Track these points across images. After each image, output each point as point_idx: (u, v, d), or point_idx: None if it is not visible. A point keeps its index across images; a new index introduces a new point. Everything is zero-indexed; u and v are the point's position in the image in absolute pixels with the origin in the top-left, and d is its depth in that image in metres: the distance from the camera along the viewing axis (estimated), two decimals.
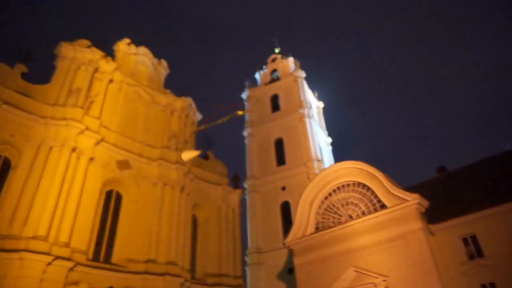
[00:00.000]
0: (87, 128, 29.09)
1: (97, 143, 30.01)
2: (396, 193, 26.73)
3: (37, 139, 27.29)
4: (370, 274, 25.52)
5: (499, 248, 23.07)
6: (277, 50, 66.84)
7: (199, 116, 42.31)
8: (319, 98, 62.47)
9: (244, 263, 42.90)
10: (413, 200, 25.83)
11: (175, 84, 41.48)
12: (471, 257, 24.30)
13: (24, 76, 29.33)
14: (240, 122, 56.64)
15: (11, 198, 24.67)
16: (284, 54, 62.60)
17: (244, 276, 40.32)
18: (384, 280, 24.72)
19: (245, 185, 49.34)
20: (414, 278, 23.77)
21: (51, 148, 27.19)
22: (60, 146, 27.37)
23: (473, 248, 24.41)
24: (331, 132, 59.67)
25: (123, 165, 31.73)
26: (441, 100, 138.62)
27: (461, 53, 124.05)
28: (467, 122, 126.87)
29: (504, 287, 22.18)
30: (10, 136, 26.38)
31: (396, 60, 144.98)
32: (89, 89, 31.86)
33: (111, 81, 34.41)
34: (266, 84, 58.60)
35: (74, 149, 27.93)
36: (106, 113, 32.56)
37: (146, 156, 33.97)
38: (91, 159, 29.29)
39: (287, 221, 42.58)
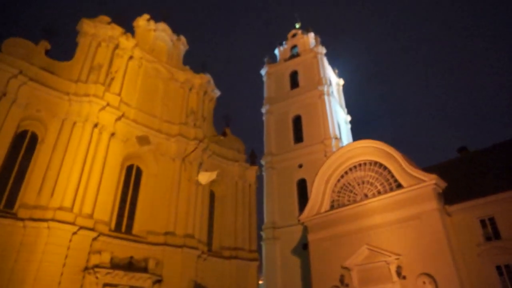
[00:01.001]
0: (108, 104, 29.84)
1: (118, 119, 30.81)
2: (413, 173, 26.50)
3: (61, 114, 28.27)
4: (383, 252, 25.78)
5: None
6: (297, 25, 65.43)
7: (217, 93, 42.50)
8: (339, 75, 61.31)
9: (259, 238, 43.95)
10: (430, 181, 25.58)
11: (193, 60, 41.40)
12: (488, 239, 24.09)
13: (47, 53, 30.05)
14: (258, 99, 56.58)
15: (38, 171, 25.96)
16: (305, 29, 61.20)
17: (259, 250, 41.43)
18: (396, 259, 24.96)
19: (262, 162, 49.82)
20: (427, 258, 23.89)
21: (74, 123, 28.15)
22: (83, 121, 28.30)
23: (491, 230, 24.16)
24: (350, 110, 58.86)
25: (143, 140, 32.58)
26: (466, 80, 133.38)
27: (491, 32, 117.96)
28: (492, 104, 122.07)
29: None
30: (36, 112, 27.41)
31: (422, 37, 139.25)
32: (110, 65, 32.42)
33: (131, 57, 34.83)
34: (285, 60, 57.77)
35: (96, 125, 28.84)
36: (126, 89, 33.20)
37: (165, 132, 34.69)
38: (112, 134, 30.19)
39: (302, 198, 43.02)
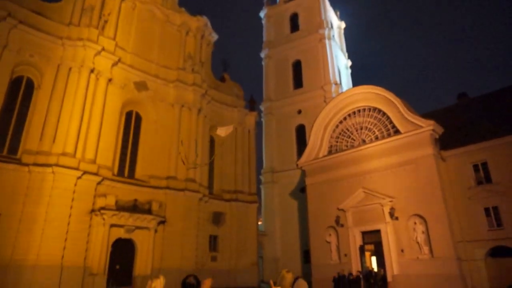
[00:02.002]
0: (103, 49, 29.06)
1: (114, 64, 30.19)
2: (411, 119, 26.69)
3: (56, 60, 27.64)
4: (378, 195, 26.82)
5: (507, 175, 23.53)
6: None
7: (215, 37, 41.15)
8: (341, 17, 58.98)
9: (259, 182, 45.37)
10: (428, 127, 25.85)
11: (189, 2, 39.52)
12: (479, 182, 24.96)
13: None
14: (258, 44, 54.96)
15: (38, 117, 26.01)
16: None
17: (258, 194, 42.97)
18: (390, 201, 26.04)
19: (262, 107, 49.81)
20: (419, 200, 24.92)
21: (70, 69, 27.63)
22: (78, 67, 27.76)
23: (483, 174, 24.95)
24: (351, 54, 57.54)
25: (141, 86, 32.23)
26: (468, 26, 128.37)
27: None
28: (493, 50, 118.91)
29: (506, 211, 23.14)
30: (29, 57, 26.74)
31: None
32: (102, 7, 31.00)
33: None
34: (285, 1, 55.20)
35: (92, 70, 28.33)
36: (120, 33, 32.09)
37: (162, 78, 34.19)
38: (110, 80, 29.78)
39: (301, 144, 43.70)
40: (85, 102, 27.24)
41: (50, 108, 26.32)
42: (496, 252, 23.33)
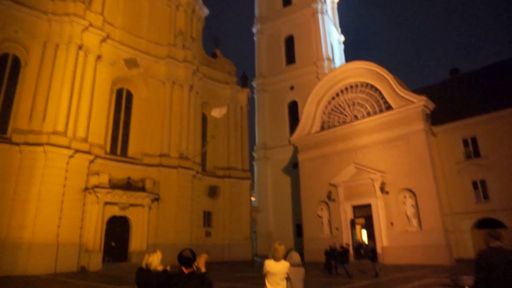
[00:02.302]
0: (91, 25, 28.26)
1: (103, 40, 29.46)
2: (403, 94, 26.81)
3: (42, 36, 26.83)
4: (369, 170, 27.26)
5: (495, 149, 24.05)
6: None
7: (206, 12, 40.21)
8: None
9: (252, 158, 45.67)
10: (419, 102, 26.03)
11: None
12: (468, 157, 25.49)
13: None
14: (249, 19, 53.84)
15: (26, 95, 25.49)
16: None
17: (251, 170, 43.35)
18: (381, 176, 26.52)
19: (254, 84, 49.43)
20: (410, 175, 25.41)
21: (57, 45, 26.91)
22: (66, 43, 27.04)
23: (472, 149, 25.43)
24: (345, 29, 56.78)
25: (131, 63, 31.65)
26: (461, 1, 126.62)
27: None
28: (488, 25, 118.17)
29: (493, 184, 23.79)
30: (14, 32, 25.94)
31: None
32: None
33: None
34: None
35: (80, 47, 27.66)
36: (108, 8, 31.09)
37: (153, 54, 33.56)
38: (99, 57, 29.15)
39: (294, 120, 43.78)
40: (74, 80, 26.72)
41: (39, 86, 25.80)
42: (482, 224, 24.16)
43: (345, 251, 19.58)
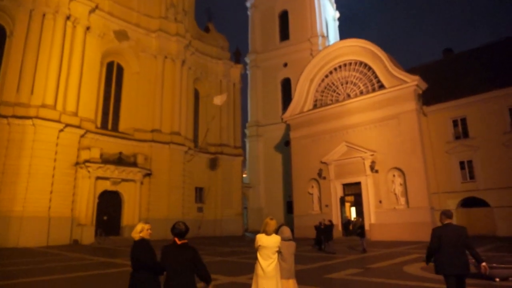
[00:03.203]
0: None
1: (91, 10, 28.56)
2: (396, 74, 26.77)
3: (27, 4, 25.87)
4: (360, 148, 27.52)
5: (483, 130, 24.40)
6: None
7: None
8: None
9: (244, 135, 45.68)
10: (412, 82, 26.05)
11: None
12: (457, 137, 25.85)
13: None
14: None
15: (13, 67, 24.84)
16: None
17: (243, 147, 43.44)
18: (371, 155, 26.82)
19: (247, 60, 48.76)
20: (400, 154, 25.75)
21: (44, 15, 26.03)
22: (53, 13, 26.16)
23: (461, 129, 25.77)
24: (340, 5, 55.80)
25: (121, 35, 30.87)
26: None
27: None
28: (482, 4, 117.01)
29: (480, 164, 24.31)
30: None
31: None
32: None
33: None
34: None
35: (68, 17, 26.81)
36: None
37: (144, 27, 32.73)
38: (88, 28, 28.35)
39: (286, 97, 43.57)
40: (62, 52, 26.07)
41: (25, 57, 25.10)
42: (467, 203, 24.84)
43: (328, 227, 19.10)
